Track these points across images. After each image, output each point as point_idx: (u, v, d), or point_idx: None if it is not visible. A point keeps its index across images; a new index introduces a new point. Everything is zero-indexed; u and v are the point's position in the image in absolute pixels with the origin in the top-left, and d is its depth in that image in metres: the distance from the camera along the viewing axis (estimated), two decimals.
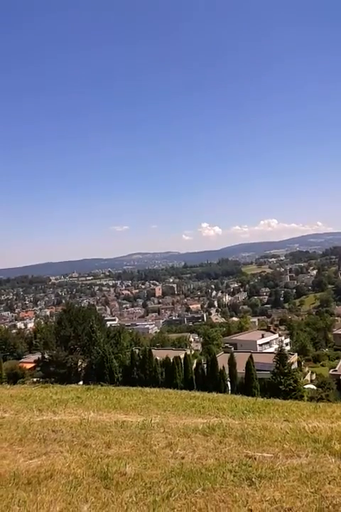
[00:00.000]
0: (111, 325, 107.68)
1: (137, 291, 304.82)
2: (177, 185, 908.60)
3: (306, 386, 46.31)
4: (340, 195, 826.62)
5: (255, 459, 5.72)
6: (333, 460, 5.48)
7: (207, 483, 4.87)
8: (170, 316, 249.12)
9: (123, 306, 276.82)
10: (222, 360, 47.52)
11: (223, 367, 44.38)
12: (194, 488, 4.74)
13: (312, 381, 53.14)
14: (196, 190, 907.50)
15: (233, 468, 5.34)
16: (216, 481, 4.94)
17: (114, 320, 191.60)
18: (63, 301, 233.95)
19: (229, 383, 44.05)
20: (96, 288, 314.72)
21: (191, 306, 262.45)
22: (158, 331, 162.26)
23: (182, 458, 6.01)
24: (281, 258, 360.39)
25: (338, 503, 4.09)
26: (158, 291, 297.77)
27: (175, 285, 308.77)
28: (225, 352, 56.53)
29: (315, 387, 46.16)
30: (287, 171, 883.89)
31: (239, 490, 4.64)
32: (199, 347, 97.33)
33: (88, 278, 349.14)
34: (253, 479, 4.90)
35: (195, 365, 47.56)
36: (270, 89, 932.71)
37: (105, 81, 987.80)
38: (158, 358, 49.35)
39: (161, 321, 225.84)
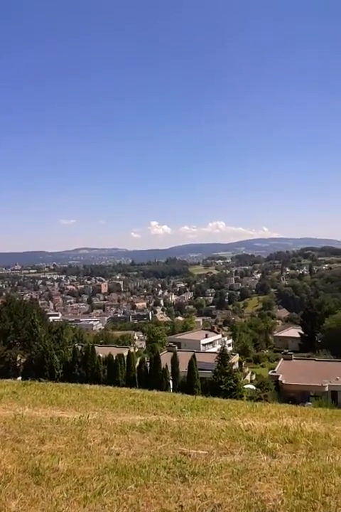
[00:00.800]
0: (53, 320, 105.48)
1: (82, 286, 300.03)
2: (128, 182, 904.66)
3: (246, 386, 47.42)
4: (285, 203, 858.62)
5: (190, 455, 5.77)
6: (265, 457, 5.62)
7: (140, 479, 4.85)
8: (116, 313, 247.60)
9: (68, 301, 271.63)
10: (166, 358, 47.74)
11: (166, 365, 44.58)
12: (126, 484, 4.71)
13: (252, 381, 54.52)
14: (147, 188, 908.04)
15: (167, 465, 5.35)
16: (149, 477, 4.93)
17: (57, 315, 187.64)
18: (4, 294, 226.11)
19: (171, 382, 44.34)
20: (40, 282, 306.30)
21: (137, 304, 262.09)
22: (103, 327, 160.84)
23: (117, 454, 5.95)
24: (227, 260, 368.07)
25: (266, 499, 4.18)
26: (104, 288, 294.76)
27: (121, 282, 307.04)
28: (169, 351, 56.81)
29: (254, 388, 47.39)
30: (236, 175, 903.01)
31: (171, 486, 4.65)
32: (144, 345, 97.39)
33: (31, 271, 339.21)
34: (187, 476, 4.93)
35: (138, 363, 47.44)
36: (219, 95, 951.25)
37: (56, 74, 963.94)
38: (101, 355, 48.80)
39: (106, 317, 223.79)
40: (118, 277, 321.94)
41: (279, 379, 45.23)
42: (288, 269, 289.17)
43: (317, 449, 6.02)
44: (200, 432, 7.11)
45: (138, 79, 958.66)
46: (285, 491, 4.39)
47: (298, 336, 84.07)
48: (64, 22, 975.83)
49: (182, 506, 4.09)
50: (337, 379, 44.01)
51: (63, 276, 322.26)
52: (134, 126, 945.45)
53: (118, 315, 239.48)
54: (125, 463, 5.51)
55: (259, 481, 4.73)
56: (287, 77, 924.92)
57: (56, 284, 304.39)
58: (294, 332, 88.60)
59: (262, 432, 6.92)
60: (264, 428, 7.30)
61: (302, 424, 7.77)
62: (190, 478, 4.85)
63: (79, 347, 52.89)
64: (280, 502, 4.12)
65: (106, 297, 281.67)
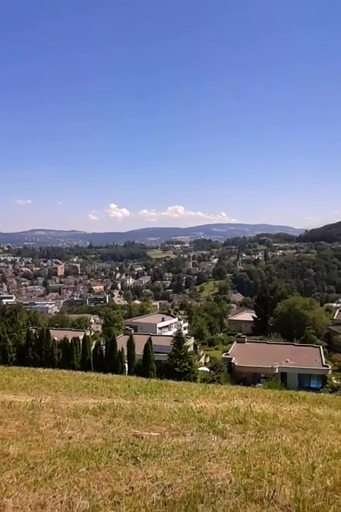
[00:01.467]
0: (7, 303, 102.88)
1: (38, 269, 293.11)
2: (87, 163, 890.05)
3: (200, 368, 48.22)
4: (243, 190, 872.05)
5: (142, 438, 5.83)
6: (215, 438, 5.76)
7: (92, 462, 4.87)
8: (72, 296, 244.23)
9: (22, 283, 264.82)
10: (122, 342, 47.73)
11: (122, 349, 44.57)
12: (78, 467, 4.71)
13: (206, 364, 55.43)
14: (106, 170, 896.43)
15: (119, 448, 5.39)
16: (101, 460, 4.95)
17: (11, 298, 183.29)
18: None
19: (126, 365, 44.44)
20: None
21: (94, 287, 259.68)
22: (58, 311, 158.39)
23: (70, 438, 5.94)
24: (186, 245, 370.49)
25: (215, 479, 4.30)
26: (61, 271, 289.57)
27: (78, 265, 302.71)
28: (125, 334, 56.79)
29: (208, 370, 48.29)
30: (196, 160, 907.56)
31: (123, 468, 4.69)
32: (100, 329, 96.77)
33: None
34: (138, 458, 4.99)
35: (93, 347, 47.15)
36: (183, 82, 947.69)
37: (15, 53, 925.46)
38: (56, 338, 48.04)
39: (62, 301, 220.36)
40: (75, 260, 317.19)
41: (232, 361, 46.31)
42: (244, 255, 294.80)
43: (266, 430, 6.23)
44: (153, 414, 7.18)
45: (97, 60, 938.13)
46: (233, 470, 4.53)
47: (252, 319, 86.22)
48: None
49: (132, 488, 4.14)
50: (287, 361, 45.60)
51: (18, 258, 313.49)
52: (95, 107, 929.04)
53: (75, 298, 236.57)
54: (77, 446, 5.51)
55: (209, 461, 4.86)
56: (243, 66, 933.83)
57: (10, 266, 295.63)
58: (248, 316, 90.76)
59: (213, 414, 7.08)
60: (216, 409, 7.46)
61: (252, 405, 8.01)
62: (142, 460, 4.91)
63: (34, 330, 51.91)
64: (228, 481, 4.25)
65: (62, 280, 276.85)
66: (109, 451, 5.24)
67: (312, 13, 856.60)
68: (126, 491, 4.10)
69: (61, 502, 3.89)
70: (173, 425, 6.43)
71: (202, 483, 4.19)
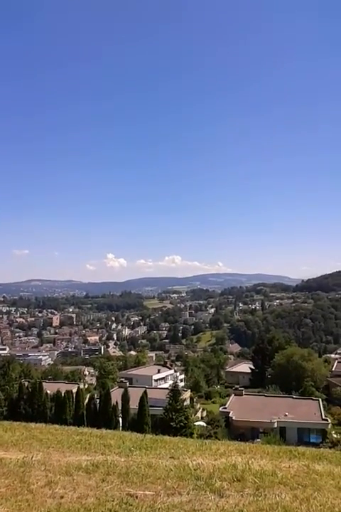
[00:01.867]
0: (0, 354, 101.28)
1: (33, 319, 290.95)
2: (85, 214, 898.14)
3: (197, 423, 47.07)
4: (239, 239, 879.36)
5: (136, 497, 5.64)
6: (213, 497, 5.59)
7: None
8: (66, 347, 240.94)
9: (16, 334, 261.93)
10: (116, 395, 46.74)
11: (116, 402, 43.56)
12: None
13: (202, 418, 54.17)
14: (104, 220, 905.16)
15: (113, 507, 5.22)
16: None
17: (5, 349, 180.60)
18: None
19: (121, 419, 43.32)
20: None
21: (89, 338, 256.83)
22: (52, 362, 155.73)
23: (61, 497, 5.74)
24: (182, 294, 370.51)
25: None
26: (56, 321, 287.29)
27: (74, 315, 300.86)
28: (120, 387, 55.64)
29: (205, 424, 47.09)
30: (193, 211, 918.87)
31: None
32: (94, 381, 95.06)
33: None
34: None
35: (87, 400, 46.07)
36: (182, 129, 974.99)
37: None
38: (48, 391, 47.01)
39: (56, 352, 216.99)
40: (71, 310, 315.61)
41: (229, 415, 45.26)
42: (241, 304, 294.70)
43: (264, 487, 6.04)
44: (148, 472, 6.97)
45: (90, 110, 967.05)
46: None
47: (249, 370, 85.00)
48: None
49: None
50: (286, 415, 44.60)
51: (13, 309, 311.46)
52: (94, 158, 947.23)
53: (69, 349, 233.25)
54: (69, 506, 5.32)
55: None
56: (243, 109, 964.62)
57: (5, 317, 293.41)
58: (245, 367, 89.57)
59: (211, 471, 6.88)
60: (213, 466, 7.26)
61: (250, 461, 7.80)
62: None
63: (26, 383, 50.83)
64: None
65: (57, 331, 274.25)
66: (102, 511, 5.06)
67: (316, 47, 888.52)
68: None
69: None
70: (169, 484, 6.24)
71: None
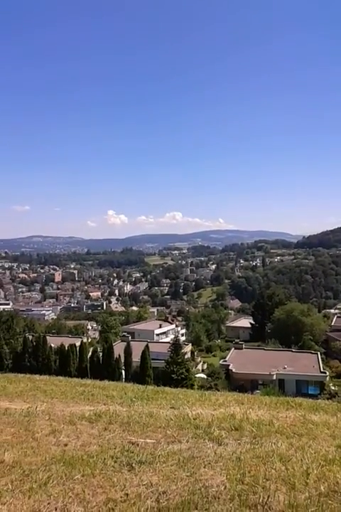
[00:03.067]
0: (4, 309, 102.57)
1: (35, 275, 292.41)
2: (86, 170, 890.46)
3: (197, 375, 48.14)
4: (240, 196, 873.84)
5: (138, 445, 5.84)
6: (211, 445, 5.77)
7: (87, 469, 4.88)
8: (69, 302, 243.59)
9: (19, 290, 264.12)
10: (119, 348, 47.62)
11: (119, 355, 44.46)
12: (73, 474, 4.73)
13: (203, 371, 55.31)
14: (104, 177, 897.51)
15: (115, 454, 5.40)
16: (96, 466, 4.97)
17: (8, 304, 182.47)
18: None
19: (123, 372, 44.32)
20: None
21: (91, 294, 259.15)
22: (55, 317, 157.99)
23: (65, 445, 5.95)
24: (184, 251, 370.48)
25: (210, 485, 4.32)
26: (58, 277, 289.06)
27: (76, 271, 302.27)
28: (122, 341, 56.66)
29: (205, 377, 48.21)
30: (194, 167, 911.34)
31: (118, 475, 4.70)
32: (97, 335, 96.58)
33: None
34: (134, 464, 5.00)
35: (90, 353, 47.02)
36: (181, 89, 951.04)
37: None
38: (52, 345, 47.95)
39: (59, 307, 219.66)
40: (73, 266, 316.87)
41: (229, 368, 46.23)
42: (242, 261, 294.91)
43: (261, 436, 6.23)
44: (149, 421, 7.18)
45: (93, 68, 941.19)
46: (228, 477, 4.54)
47: (249, 325, 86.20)
48: None
49: (127, 494, 4.16)
50: (285, 367, 45.53)
51: (15, 264, 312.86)
52: (91, 115, 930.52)
53: (72, 305, 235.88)
54: (72, 453, 5.52)
55: (204, 468, 4.87)
56: (243, 71, 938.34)
57: (7, 272, 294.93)
58: (245, 322, 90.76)
59: (209, 420, 7.08)
60: (212, 416, 7.46)
61: (248, 411, 8.01)
62: (137, 467, 4.93)
63: (30, 337, 51.77)
64: (223, 488, 4.26)
65: (59, 286, 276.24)
66: (105, 458, 5.25)
67: (314, 17, 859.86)
68: (121, 497, 4.11)
69: (56, 509, 3.90)
70: (169, 432, 6.44)
71: (197, 490, 4.20)
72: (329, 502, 3.95)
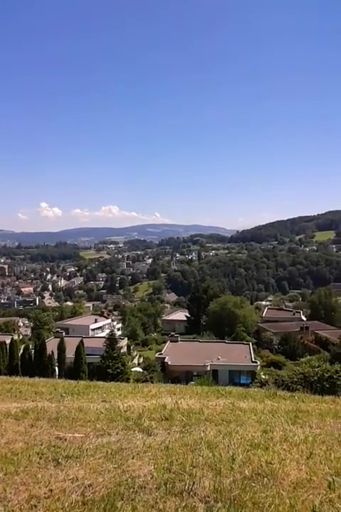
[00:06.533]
0: None
1: None
2: (15, 159, 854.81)
3: (133, 369, 48.19)
4: (177, 190, 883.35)
5: (65, 440, 5.68)
6: (141, 436, 5.74)
7: (11, 467, 4.67)
8: None
9: None
10: (52, 345, 46.47)
11: (52, 352, 43.39)
12: None
13: (139, 364, 55.46)
14: (36, 167, 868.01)
15: (41, 451, 5.22)
16: (20, 464, 4.77)
17: None
18: None
19: (57, 368, 43.34)
20: None
21: (23, 289, 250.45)
22: None
23: None
24: (120, 245, 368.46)
25: (137, 476, 4.29)
26: None
27: (6, 266, 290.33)
28: (56, 337, 55.29)
29: (141, 370, 48.39)
30: (130, 160, 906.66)
31: (43, 471, 4.54)
32: (29, 332, 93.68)
33: None
34: (60, 460, 4.86)
35: (22, 351, 45.43)
36: (116, 79, 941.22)
37: None
38: None
39: None
40: (2, 261, 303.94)
41: (165, 361, 46.74)
42: (178, 255, 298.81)
43: (191, 425, 6.30)
44: (79, 415, 7.02)
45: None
46: (156, 466, 4.53)
47: (185, 318, 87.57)
48: None
49: (51, 490, 4.02)
50: (218, 358, 46.80)
51: None
52: (25, 105, 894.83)
53: (2, 301, 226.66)
54: None
55: (132, 459, 4.83)
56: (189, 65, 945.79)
57: None
58: (181, 315, 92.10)
59: (140, 412, 7.05)
60: (143, 407, 7.44)
61: (179, 401, 8.08)
62: (64, 462, 4.79)
63: None
64: (150, 477, 4.25)
65: None
66: (30, 455, 5.05)
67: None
68: (45, 493, 3.97)
69: None
70: (99, 425, 6.33)
71: (124, 481, 4.15)
72: (253, 484, 4.07)
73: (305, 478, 4.23)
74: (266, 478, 4.20)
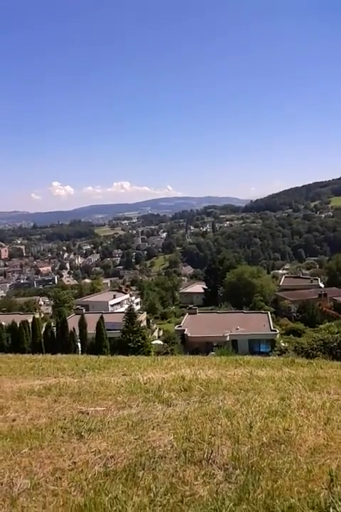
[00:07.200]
0: None
1: None
2: (26, 140, 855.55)
3: (154, 342, 48.71)
4: (187, 162, 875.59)
5: (88, 413, 5.85)
6: (160, 407, 5.87)
7: (35, 442, 4.85)
8: (18, 279, 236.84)
9: None
10: (73, 322, 47.15)
11: (73, 329, 44.08)
12: (21, 448, 4.69)
13: (159, 337, 56.05)
14: (47, 146, 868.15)
15: (64, 425, 5.39)
16: (44, 438, 4.95)
17: None
18: None
19: (79, 344, 44.10)
20: None
21: (41, 269, 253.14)
22: (5, 295, 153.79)
23: (14, 420, 5.87)
24: (134, 220, 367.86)
25: (157, 446, 4.42)
26: (4, 253, 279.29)
27: (23, 247, 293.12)
28: (76, 314, 56.12)
29: (161, 343, 48.92)
30: (139, 134, 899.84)
31: (66, 445, 4.70)
32: (50, 310, 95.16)
33: None
34: (83, 433, 5.02)
35: (44, 329, 46.28)
36: (121, 57, 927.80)
37: None
38: (3, 323, 46.77)
39: (8, 284, 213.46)
40: (19, 242, 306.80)
41: (185, 333, 47.14)
42: (192, 228, 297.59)
43: (209, 394, 6.41)
44: (100, 389, 7.20)
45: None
46: (175, 436, 4.66)
47: (202, 290, 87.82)
48: None
49: (75, 463, 4.17)
50: (237, 328, 47.01)
51: None
52: (33, 85, 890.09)
53: (22, 281, 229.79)
54: (20, 428, 5.45)
55: (153, 429, 4.96)
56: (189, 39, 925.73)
57: None
58: (198, 287, 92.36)
59: (160, 384, 7.19)
60: (162, 379, 7.58)
61: (198, 372, 8.21)
62: (86, 435, 4.95)
63: None
64: (170, 447, 4.37)
65: (7, 263, 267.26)
66: (53, 430, 5.23)
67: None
68: (69, 466, 4.13)
69: (1, 484, 3.85)
70: (119, 399, 6.49)
71: (144, 452, 4.29)
72: (271, 451, 4.15)
73: (322, 444, 4.30)
74: (283, 445, 4.28)
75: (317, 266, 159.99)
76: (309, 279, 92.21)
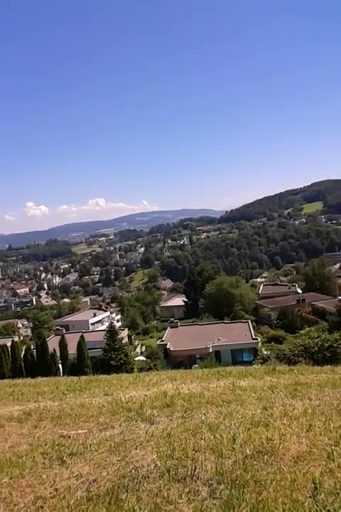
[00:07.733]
0: None
1: None
2: None
3: (136, 358, 48.35)
4: (162, 176, 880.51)
5: (69, 437, 5.74)
6: (143, 426, 5.80)
7: (16, 470, 4.72)
8: None
9: None
10: (53, 343, 46.43)
11: (54, 350, 43.36)
12: (1, 478, 4.54)
13: (142, 353, 55.66)
14: (19, 167, 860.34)
15: (45, 451, 5.27)
16: (25, 466, 4.81)
17: None
18: None
19: (60, 366, 43.39)
20: None
21: (18, 291, 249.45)
22: None
23: None
24: (111, 237, 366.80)
25: (140, 466, 4.35)
26: None
27: None
28: (56, 335, 55.27)
29: (144, 359, 48.60)
30: (113, 151, 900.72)
31: (48, 471, 4.59)
32: (29, 333, 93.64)
33: None
34: (65, 458, 4.91)
35: (23, 352, 45.39)
36: (97, 73, 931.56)
37: None
38: None
39: None
40: None
41: (167, 347, 46.95)
42: (169, 241, 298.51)
43: (192, 409, 6.37)
44: (81, 411, 7.08)
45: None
46: (158, 454, 4.60)
47: (183, 303, 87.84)
48: None
49: (56, 489, 4.07)
50: (219, 339, 47.11)
51: None
52: (4, 106, 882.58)
53: None
54: (0, 457, 5.30)
55: (136, 449, 4.89)
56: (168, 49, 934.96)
57: None
58: (179, 300, 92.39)
59: (141, 402, 7.11)
60: (144, 397, 7.51)
61: (180, 387, 8.17)
62: (68, 460, 4.84)
63: None
64: (153, 466, 4.31)
65: None
66: (34, 456, 5.10)
67: None
68: (50, 493, 4.01)
69: None
70: (101, 420, 6.39)
71: (127, 473, 4.21)
72: (254, 463, 4.14)
73: (306, 451, 4.31)
74: (266, 456, 4.27)
75: (294, 272, 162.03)
76: (287, 285, 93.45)
